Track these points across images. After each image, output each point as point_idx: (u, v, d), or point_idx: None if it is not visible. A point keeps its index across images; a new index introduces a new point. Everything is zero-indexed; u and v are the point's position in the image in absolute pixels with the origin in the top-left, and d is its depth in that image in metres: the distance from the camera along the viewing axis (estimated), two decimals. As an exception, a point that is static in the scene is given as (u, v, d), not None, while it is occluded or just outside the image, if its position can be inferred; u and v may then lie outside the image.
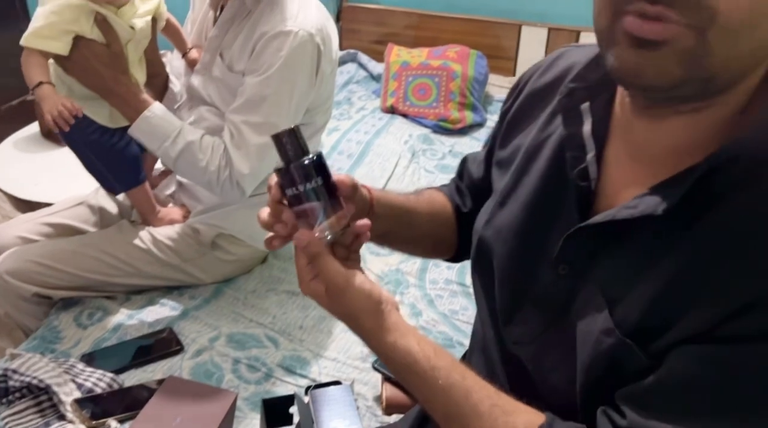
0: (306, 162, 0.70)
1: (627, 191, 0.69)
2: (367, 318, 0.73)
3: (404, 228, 0.93)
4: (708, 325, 0.60)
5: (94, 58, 1.46)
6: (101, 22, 1.45)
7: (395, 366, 0.74)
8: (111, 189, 1.70)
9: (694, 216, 0.63)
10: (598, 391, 0.69)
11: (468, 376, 0.72)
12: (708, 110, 0.63)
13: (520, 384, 0.78)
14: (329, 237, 0.72)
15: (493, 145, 0.94)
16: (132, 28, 1.50)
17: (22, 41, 1.43)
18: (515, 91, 0.90)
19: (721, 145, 0.61)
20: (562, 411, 0.71)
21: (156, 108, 1.51)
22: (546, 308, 0.76)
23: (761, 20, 0.55)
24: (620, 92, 0.72)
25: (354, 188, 0.78)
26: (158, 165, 1.82)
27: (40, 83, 1.44)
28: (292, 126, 0.71)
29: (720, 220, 0.61)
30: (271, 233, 0.75)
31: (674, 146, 0.66)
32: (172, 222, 1.72)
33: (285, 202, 0.73)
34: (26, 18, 3.01)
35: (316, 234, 0.71)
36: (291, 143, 0.70)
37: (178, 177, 1.77)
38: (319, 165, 0.71)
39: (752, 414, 0.60)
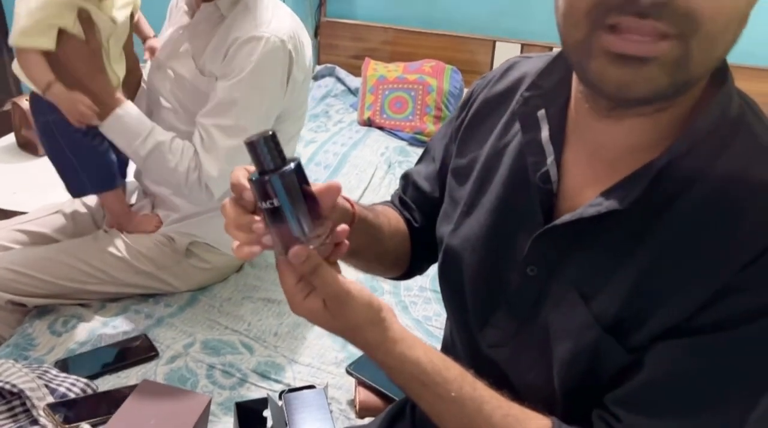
0: (286, 171, 0.63)
1: (588, 191, 0.72)
2: (371, 330, 0.71)
3: (373, 245, 0.90)
4: (684, 315, 0.63)
5: (74, 55, 1.47)
6: (85, 18, 1.46)
7: (403, 377, 0.72)
8: (81, 189, 1.68)
9: (658, 208, 0.66)
10: (578, 386, 0.72)
11: (478, 387, 0.73)
12: (669, 110, 0.66)
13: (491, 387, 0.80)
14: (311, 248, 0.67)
15: (444, 156, 0.95)
16: (113, 21, 1.50)
17: (13, 42, 1.44)
18: (468, 102, 0.92)
19: (677, 138, 0.65)
20: (540, 409, 0.73)
21: (128, 107, 1.53)
22: (517, 309, 0.78)
23: (734, 23, 0.58)
24: (575, 97, 0.75)
25: (338, 193, 0.74)
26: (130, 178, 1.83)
27: (50, 83, 1.45)
28: (270, 132, 0.64)
29: (684, 211, 0.65)
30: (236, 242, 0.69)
31: (633, 145, 0.69)
32: (144, 231, 1.73)
33: (257, 214, 0.67)
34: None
35: (310, 246, 0.66)
36: (268, 150, 0.63)
37: (152, 187, 1.78)
38: (300, 174, 0.65)
39: (740, 396, 0.63)
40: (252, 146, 0.63)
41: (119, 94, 1.54)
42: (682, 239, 0.64)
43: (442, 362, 0.73)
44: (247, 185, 0.67)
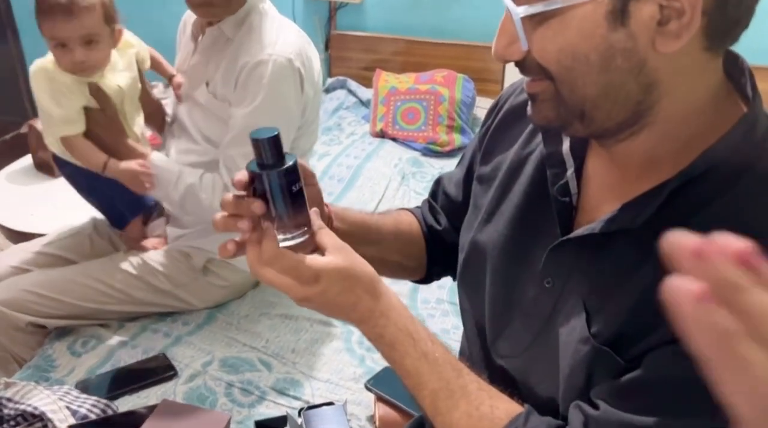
0: (282, 169, 0.70)
1: (606, 205, 0.71)
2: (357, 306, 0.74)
3: (369, 246, 0.90)
4: None
5: (94, 125, 1.52)
6: (95, 90, 1.50)
7: (390, 339, 0.75)
8: (121, 220, 1.76)
9: (670, 226, 0.65)
10: (578, 399, 0.71)
11: (460, 360, 0.76)
12: (642, 135, 0.67)
13: None
14: (292, 243, 0.73)
15: (471, 163, 0.96)
16: (119, 86, 1.55)
17: (59, 136, 1.52)
18: (495, 109, 0.93)
19: (693, 160, 0.64)
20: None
21: (155, 158, 1.56)
22: (533, 321, 0.78)
23: (576, 72, 0.64)
24: None
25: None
26: None
27: (105, 163, 1.52)
28: (275, 132, 0.71)
29: (694, 229, 0.64)
30: (224, 241, 0.74)
31: (650, 158, 0.68)
32: (154, 247, 1.76)
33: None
34: (16, 39, 3.05)
35: (280, 239, 0.71)
36: (269, 148, 0.70)
37: (167, 208, 1.81)
38: (292, 174, 0.71)
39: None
40: (255, 142, 0.70)
41: (145, 149, 1.58)
42: None
43: (427, 333, 0.76)
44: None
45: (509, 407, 0.74)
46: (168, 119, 1.77)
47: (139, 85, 1.63)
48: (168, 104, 1.79)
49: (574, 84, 0.64)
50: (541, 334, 0.77)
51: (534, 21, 0.63)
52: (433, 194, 1.06)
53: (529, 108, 0.72)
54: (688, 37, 0.59)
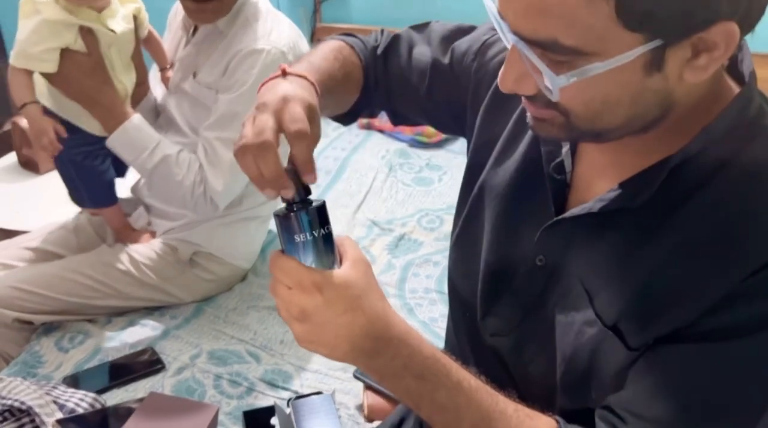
0: (312, 208, 0.65)
1: (601, 183, 0.71)
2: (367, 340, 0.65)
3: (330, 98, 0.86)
4: (691, 317, 0.62)
5: (77, 69, 1.48)
6: (86, 33, 1.46)
7: (419, 369, 0.67)
8: (81, 203, 1.75)
9: (669, 208, 0.65)
10: (579, 381, 0.71)
11: (483, 383, 0.71)
12: (647, 133, 0.66)
13: (493, 382, 0.79)
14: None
15: (458, 69, 0.91)
16: (113, 31, 1.51)
17: (11, 61, 1.46)
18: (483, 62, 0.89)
19: (692, 138, 0.64)
20: (539, 403, 0.72)
21: (136, 120, 1.54)
22: (524, 298, 0.78)
23: (604, 112, 0.62)
24: None
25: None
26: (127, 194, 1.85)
27: (25, 104, 1.47)
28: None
29: (695, 212, 0.64)
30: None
31: (647, 139, 0.67)
32: (143, 241, 1.75)
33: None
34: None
35: None
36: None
37: (146, 198, 1.79)
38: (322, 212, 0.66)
39: (741, 411, 0.63)
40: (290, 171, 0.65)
41: (128, 108, 1.55)
42: (691, 240, 0.64)
43: (441, 353, 0.70)
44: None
45: (547, 421, 0.70)
46: (148, 104, 1.75)
47: (133, 41, 1.59)
48: (155, 95, 1.77)
49: (595, 121, 0.63)
50: (532, 313, 0.77)
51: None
52: (394, 47, 0.98)
53: (530, 121, 0.68)
54: (714, 69, 0.59)
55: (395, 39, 0.99)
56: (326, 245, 0.66)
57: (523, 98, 0.67)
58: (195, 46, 1.63)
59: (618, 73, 0.58)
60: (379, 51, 0.97)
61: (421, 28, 0.99)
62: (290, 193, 0.65)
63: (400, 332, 0.66)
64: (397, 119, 1.02)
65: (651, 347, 0.66)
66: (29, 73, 1.48)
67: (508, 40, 0.61)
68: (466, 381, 0.68)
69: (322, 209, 0.66)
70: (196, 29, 1.64)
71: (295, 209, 0.65)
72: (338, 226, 2.09)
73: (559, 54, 0.57)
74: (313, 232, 0.65)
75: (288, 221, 0.65)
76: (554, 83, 0.59)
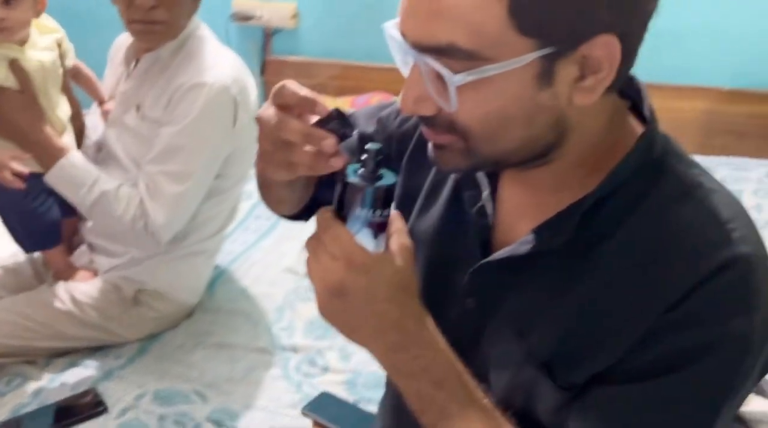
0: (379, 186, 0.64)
1: (522, 224, 0.72)
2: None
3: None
4: (617, 355, 0.64)
5: (9, 107, 1.45)
6: (17, 67, 1.44)
7: (438, 376, 0.67)
8: (21, 245, 1.69)
9: (588, 248, 0.67)
10: (518, 423, 0.71)
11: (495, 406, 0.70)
12: (551, 164, 0.68)
13: None
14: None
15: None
16: (40, 62, 1.48)
17: None
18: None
19: (601, 180, 0.66)
20: None
21: (72, 156, 1.51)
22: (456, 341, 0.77)
23: (500, 131, 0.63)
24: None
25: None
26: None
27: None
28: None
29: (612, 251, 0.66)
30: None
31: (559, 184, 0.70)
32: (82, 279, 1.70)
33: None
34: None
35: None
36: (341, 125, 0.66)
37: (89, 236, 1.75)
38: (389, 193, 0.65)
39: None
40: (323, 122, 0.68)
41: (63, 143, 1.52)
42: (611, 279, 0.65)
43: (463, 367, 0.70)
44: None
45: None
46: (90, 139, 1.72)
47: (61, 70, 1.56)
48: (93, 130, 1.74)
49: (493, 141, 0.64)
50: (465, 355, 0.76)
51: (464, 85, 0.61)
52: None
53: (431, 152, 0.69)
54: (602, 91, 0.61)
55: None
56: (381, 226, 0.66)
57: (423, 127, 0.68)
58: (137, 78, 1.61)
59: (512, 83, 0.60)
60: None
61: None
62: (341, 162, 0.66)
63: (431, 334, 0.67)
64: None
65: (586, 387, 0.66)
66: None
67: (407, 62, 0.63)
68: (480, 401, 0.68)
69: (390, 190, 0.65)
70: (137, 63, 1.63)
71: (367, 180, 0.65)
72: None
73: (457, 59, 0.59)
74: (376, 211, 0.65)
75: (356, 191, 0.64)
76: (451, 82, 0.59)
